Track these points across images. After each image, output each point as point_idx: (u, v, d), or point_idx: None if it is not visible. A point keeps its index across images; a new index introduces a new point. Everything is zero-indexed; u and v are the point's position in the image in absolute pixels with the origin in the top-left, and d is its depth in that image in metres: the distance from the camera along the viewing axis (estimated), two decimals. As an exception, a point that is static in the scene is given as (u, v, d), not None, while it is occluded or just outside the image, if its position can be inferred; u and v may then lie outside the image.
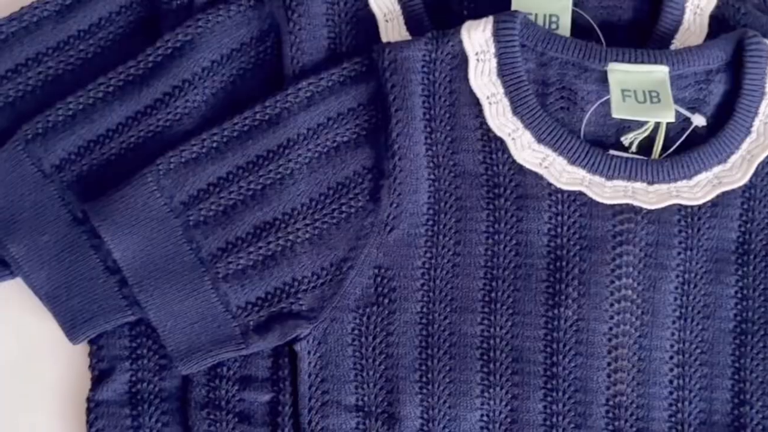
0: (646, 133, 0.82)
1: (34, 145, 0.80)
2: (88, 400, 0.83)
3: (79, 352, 0.84)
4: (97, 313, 0.80)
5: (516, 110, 0.80)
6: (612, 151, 0.81)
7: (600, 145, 0.81)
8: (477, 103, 0.80)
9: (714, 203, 0.81)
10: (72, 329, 0.80)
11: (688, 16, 0.84)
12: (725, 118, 0.81)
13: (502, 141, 0.80)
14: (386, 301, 0.81)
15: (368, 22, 0.84)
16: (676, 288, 0.81)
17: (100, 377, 0.83)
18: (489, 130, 0.81)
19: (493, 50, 0.81)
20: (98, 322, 0.80)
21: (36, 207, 0.80)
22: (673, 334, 0.80)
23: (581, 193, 0.80)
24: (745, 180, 0.80)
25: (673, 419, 0.80)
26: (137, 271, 0.79)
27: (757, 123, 0.81)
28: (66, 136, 0.81)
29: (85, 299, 0.80)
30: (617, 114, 0.80)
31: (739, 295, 0.81)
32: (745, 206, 0.81)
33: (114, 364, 0.83)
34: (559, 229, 0.81)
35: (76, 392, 0.84)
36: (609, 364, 0.80)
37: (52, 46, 0.84)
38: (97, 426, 0.82)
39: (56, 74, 0.84)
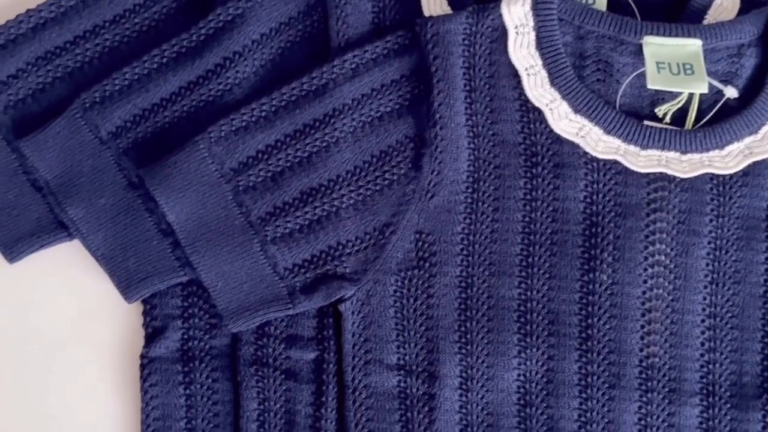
0: (679, 105, 0.85)
1: (92, 113, 0.83)
2: (142, 356, 0.86)
3: (134, 311, 0.87)
4: (151, 273, 0.83)
5: (554, 82, 0.83)
6: (646, 122, 0.83)
7: (635, 116, 0.83)
8: (516, 74, 0.83)
9: (745, 173, 0.83)
10: (127, 289, 0.83)
11: (720, -8, 0.87)
12: (756, 91, 0.83)
13: (540, 111, 0.83)
14: (427, 264, 0.84)
15: (411, -4, 0.88)
16: (708, 254, 0.83)
17: (153, 335, 0.86)
18: (527, 100, 0.83)
19: (531, 24, 0.83)
20: (152, 282, 0.83)
21: (93, 172, 0.83)
22: (704, 298, 0.83)
23: (616, 162, 0.83)
24: (776, 150, 0.84)
25: (704, 380, 0.83)
26: (190, 233, 0.82)
27: (787, 95, 0.84)
28: (122, 104, 0.83)
29: (139, 260, 0.83)
30: (652, 85, 0.83)
31: None
32: None
33: (167, 322, 0.86)
34: (594, 197, 0.83)
35: (130, 349, 0.88)
36: (642, 326, 0.83)
37: (108, 19, 0.87)
38: (150, 381, 0.85)
39: (113, 46, 0.86)
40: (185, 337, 0.86)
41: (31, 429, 0.87)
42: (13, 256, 0.86)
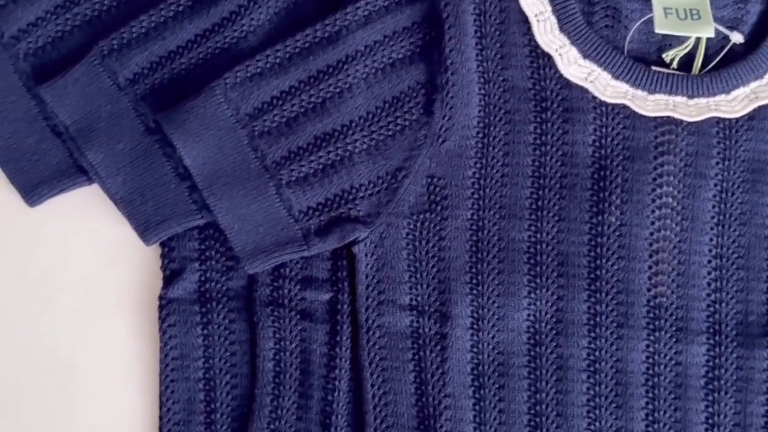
0: (686, 50, 0.86)
1: (110, 59, 0.84)
2: (160, 298, 0.88)
3: (152, 253, 0.89)
4: (169, 216, 0.85)
5: (563, 27, 0.84)
6: (654, 67, 0.85)
7: (642, 61, 0.85)
8: (526, 21, 0.84)
9: (751, 117, 0.84)
10: (145, 231, 0.85)
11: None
12: (762, 37, 0.85)
13: (549, 57, 0.85)
14: (438, 208, 0.86)
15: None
16: (714, 196, 0.85)
17: (171, 277, 0.88)
18: (537, 46, 0.85)
19: (541, -30, 0.85)
20: (170, 225, 0.85)
21: (112, 117, 0.85)
22: (711, 239, 0.85)
23: (624, 106, 0.84)
24: (782, 94, 0.85)
25: (710, 319, 0.85)
26: (206, 177, 0.83)
27: (794, 39, 0.86)
28: (139, 51, 0.85)
29: (157, 203, 0.85)
30: (660, 29, 0.84)
31: None
32: None
33: (184, 264, 0.88)
34: (603, 140, 0.85)
35: (148, 291, 0.89)
36: (650, 267, 0.84)
37: (125, -32, 0.90)
38: (168, 321, 0.87)
39: (130, -6, 0.90)
40: (202, 279, 0.88)
41: (50, 372, 0.88)
42: (33, 199, 0.87)
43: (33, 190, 0.87)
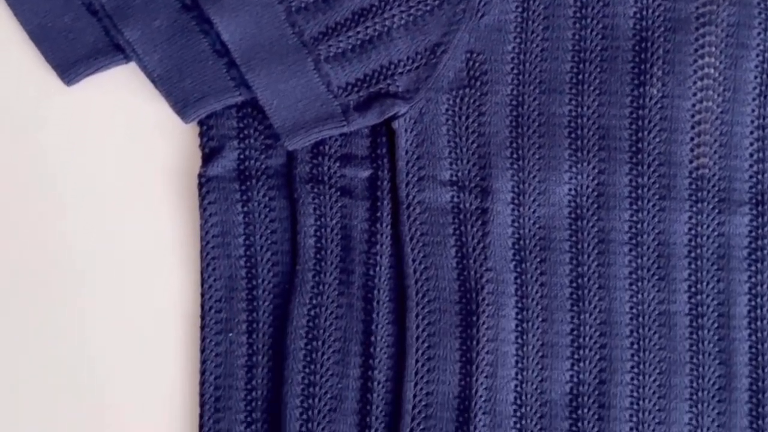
0: None
1: None
2: (200, 176, 0.87)
3: (190, 132, 0.89)
4: (207, 93, 0.84)
5: None
6: (696, -62, 0.85)
7: (684, -68, 0.85)
8: None
9: (794, -14, 0.85)
10: (183, 109, 0.84)
11: None
12: None
13: (589, -74, 0.85)
14: (478, 83, 0.85)
15: None
16: (756, 66, 0.84)
17: (210, 155, 0.87)
18: None
19: None
20: (208, 102, 0.84)
21: None
22: (753, 110, 0.84)
23: (666, -23, 0.85)
24: (825, -36, 0.84)
25: (753, 190, 0.85)
26: (245, 52, 0.82)
27: None
28: None
29: (195, 80, 0.84)
30: None
31: None
32: None
33: (223, 142, 0.87)
34: (644, 12, 0.84)
35: (188, 169, 0.89)
36: (692, 138, 0.84)
37: None
38: (208, 199, 0.87)
39: None
40: (242, 156, 0.87)
41: (91, 247, 0.89)
42: (70, 78, 0.87)
43: (69, 69, 0.86)
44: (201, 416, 0.86)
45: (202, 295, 0.87)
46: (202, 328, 0.87)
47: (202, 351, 0.87)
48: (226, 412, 0.86)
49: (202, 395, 0.86)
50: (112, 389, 0.88)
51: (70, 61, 0.87)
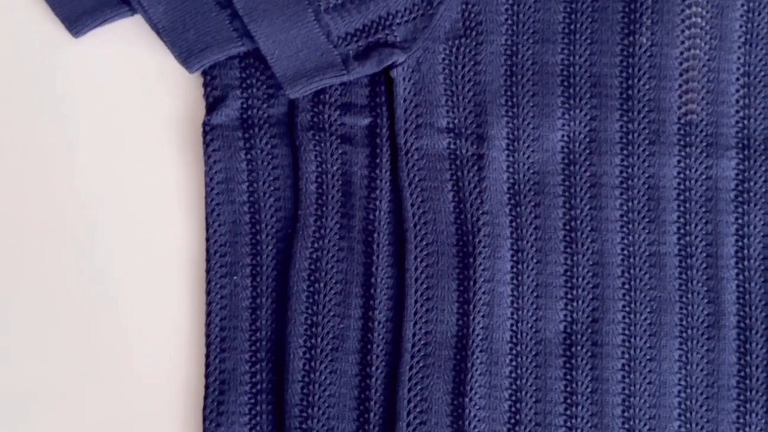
0: None
1: None
2: (204, 124, 0.89)
3: (194, 81, 0.91)
4: (211, 43, 0.87)
5: None
6: None
7: None
8: None
9: (778, -61, 0.88)
10: (188, 59, 0.87)
11: None
12: None
13: None
14: (473, 33, 0.88)
15: None
16: (742, 16, 0.87)
17: (214, 104, 0.90)
18: None
19: None
20: (212, 52, 0.86)
21: None
22: (739, 58, 0.87)
23: (654, -70, 0.87)
24: None
25: (739, 135, 0.87)
26: (247, 3, 0.85)
27: None
28: None
29: (199, 31, 0.86)
30: None
31: None
32: None
33: (226, 92, 0.89)
34: (633, -37, 0.88)
35: (192, 118, 0.91)
36: (680, 85, 0.87)
37: None
38: (212, 147, 0.89)
39: None
40: (244, 105, 0.90)
41: (99, 192, 0.91)
42: (77, 30, 0.89)
43: (76, 21, 0.89)
44: (207, 356, 0.88)
45: (207, 240, 0.89)
46: (208, 271, 0.89)
47: (208, 294, 0.89)
48: (231, 352, 0.88)
49: (207, 336, 0.89)
50: (120, 332, 0.90)
51: (77, 13, 0.89)
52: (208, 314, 0.89)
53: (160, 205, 0.91)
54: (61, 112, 0.91)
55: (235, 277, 0.89)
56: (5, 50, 0.92)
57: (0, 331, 0.91)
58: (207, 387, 0.88)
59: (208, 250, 0.89)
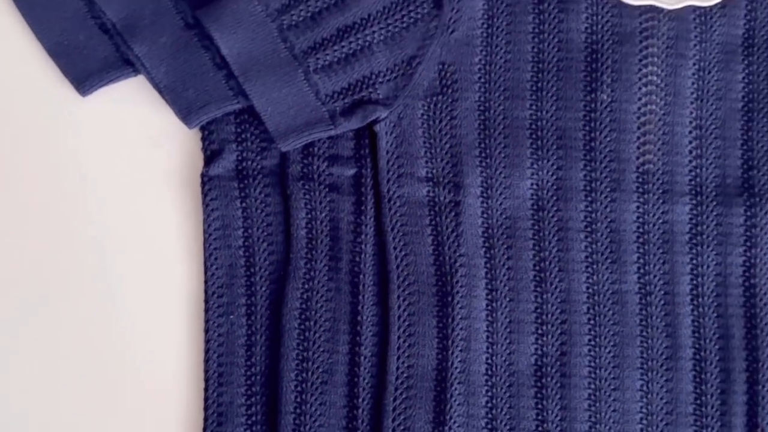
0: (666, -52, 0.97)
1: None
2: (202, 175, 0.97)
3: (193, 136, 0.98)
4: (209, 101, 0.94)
5: None
6: (638, -37, 0.96)
7: (628, -42, 0.96)
8: (523, -76, 0.96)
9: (723, 5, 0.95)
10: (188, 115, 0.94)
11: None
12: (733, -66, 0.96)
13: (546, -45, 0.96)
14: (449, 91, 0.95)
15: None
16: (693, 74, 0.95)
17: (211, 157, 0.97)
18: (534, -54, 0.96)
19: None
20: (209, 109, 0.94)
21: (154, 15, 0.94)
22: (691, 112, 0.95)
23: (613, -3, 0.96)
24: (750, -15, 0.96)
25: (693, 182, 0.95)
26: (241, 65, 0.92)
27: (757, -60, 0.96)
28: None
29: (198, 90, 0.94)
30: (643, -74, 0.94)
31: (746, 80, 0.96)
32: (749, 7, 0.96)
33: (223, 145, 0.97)
34: (594, 27, 0.95)
35: (192, 170, 0.98)
36: (638, 138, 0.95)
37: None
38: (210, 196, 0.96)
39: None
40: (239, 158, 0.97)
41: (104, 239, 0.98)
42: (84, 90, 0.96)
43: (84, 81, 0.96)
44: (206, 390, 0.95)
45: (206, 282, 0.96)
46: (206, 311, 0.96)
47: (206, 332, 0.95)
48: (228, 386, 0.95)
49: (206, 371, 0.95)
50: (126, 367, 0.97)
51: (85, 74, 0.96)
52: (207, 351, 0.95)
53: (162, 250, 0.98)
54: (71, 164, 0.99)
55: (231, 316, 0.96)
56: (20, 107, 0.99)
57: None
58: (206, 419, 0.95)
59: (206, 291, 0.96)
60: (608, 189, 0.94)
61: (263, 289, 0.96)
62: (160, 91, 0.94)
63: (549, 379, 0.94)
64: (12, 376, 0.97)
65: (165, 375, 0.97)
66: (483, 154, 0.95)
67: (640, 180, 0.95)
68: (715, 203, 0.94)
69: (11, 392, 0.97)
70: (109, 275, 0.98)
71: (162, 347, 0.97)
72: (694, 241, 0.94)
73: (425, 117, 0.95)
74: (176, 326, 0.97)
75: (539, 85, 0.95)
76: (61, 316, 0.98)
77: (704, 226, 0.94)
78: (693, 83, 0.95)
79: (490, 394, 0.94)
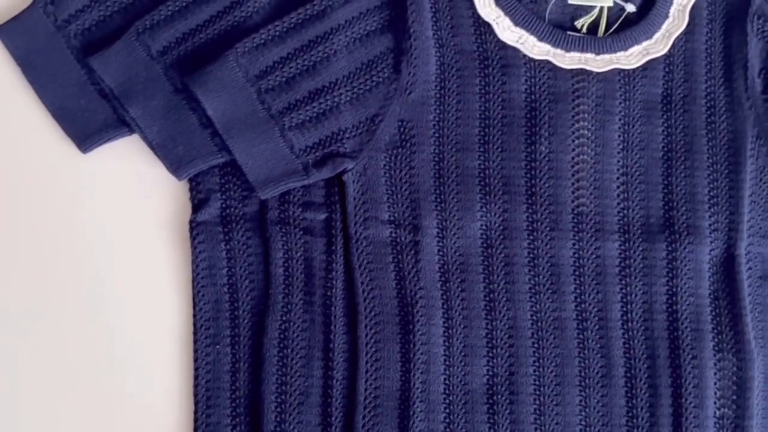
0: (592, 18, 1.08)
1: (144, 36, 1.04)
2: (191, 222, 1.07)
3: (182, 187, 1.08)
4: (196, 156, 1.04)
5: (498, 2, 1.06)
6: (569, 32, 1.07)
7: (560, 27, 1.07)
8: (470, -2, 1.07)
9: (644, 67, 1.07)
10: (177, 169, 1.04)
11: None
12: (650, 6, 1.07)
13: (489, 25, 1.06)
14: (408, 144, 1.06)
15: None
16: (619, 128, 1.07)
17: (198, 205, 1.07)
18: (479, 17, 1.06)
19: (479, -39, 1.07)
20: (197, 163, 1.04)
21: (147, 81, 1.04)
22: (618, 161, 1.07)
23: (548, 62, 1.06)
24: (666, 50, 1.07)
25: (621, 222, 1.06)
26: (225, 124, 1.03)
27: (672, 9, 1.07)
28: (168, 29, 1.04)
29: (186, 147, 1.04)
30: (573, 1, 1.06)
31: (666, 133, 1.07)
32: (666, 69, 1.08)
33: (209, 194, 1.07)
34: (533, 88, 1.06)
35: (181, 217, 1.09)
36: (573, 183, 1.06)
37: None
38: (198, 240, 1.07)
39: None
40: (224, 206, 1.07)
41: (99, 281, 1.07)
42: (85, 147, 1.07)
43: (85, 140, 1.07)
44: (195, 412, 1.06)
45: (194, 316, 1.07)
46: (195, 341, 1.07)
47: (195, 360, 1.06)
48: (215, 408, 1.06)
49: (195, 395, 1.06)
50: (121, 392, 1.07)
51: (86, 134, 1.07)
52: (196, 377, 1.06)
53: (156, 287, 1.08)
54: (73, 213, 1.09)
55: (218, 346, 1.06)
56: (26, 163, 1.09)
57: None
58: (195, 438, 1.07)
59: (195, 324, 1.06)
60: (548, 228, 1.06)
61: (246, 321, 1.06)
62: (152, 148, 1.05)
63: (499, 396, 1.05)
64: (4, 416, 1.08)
65: (158, 399, 1.07)
66: (438, 200, 1.05)
67: (575, 220, 1.06)
68: (640, 240, 1.06)
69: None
70: (108, 309, 1.07)
71: (155, 374, 1.07)
72: (623, 273, 1.06)
73: (387, 167, 1.05)
74: (168, 355, 1.07)
75: (486, 138, 1.06)
76: (62, 352, 1.07)
77: (632, 260, 1.06)
78: (619, 136, 1.07)
79: (447, 410, 1.05)
